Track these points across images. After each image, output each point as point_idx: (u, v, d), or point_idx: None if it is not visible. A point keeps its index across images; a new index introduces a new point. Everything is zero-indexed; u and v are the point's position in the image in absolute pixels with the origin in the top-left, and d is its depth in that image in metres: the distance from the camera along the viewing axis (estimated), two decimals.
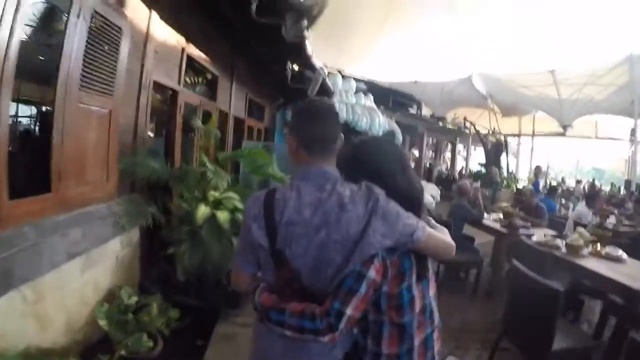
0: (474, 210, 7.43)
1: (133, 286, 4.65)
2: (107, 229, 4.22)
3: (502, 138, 24.15)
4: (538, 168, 18.81)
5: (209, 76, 7.44)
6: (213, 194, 5.14)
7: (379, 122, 13.05)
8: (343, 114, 12.18)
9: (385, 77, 22.89)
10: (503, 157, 23.35)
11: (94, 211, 4.03)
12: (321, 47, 9.29)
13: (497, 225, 7.31)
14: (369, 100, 14.08)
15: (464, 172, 27.34)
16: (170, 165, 5.38)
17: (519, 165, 28.54)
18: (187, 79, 6.64)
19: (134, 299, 4.30)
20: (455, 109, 24.94)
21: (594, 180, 28.31)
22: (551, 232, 7.01)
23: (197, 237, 4.80)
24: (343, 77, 13.67)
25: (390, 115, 17.58)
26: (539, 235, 6.34)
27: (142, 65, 4.81)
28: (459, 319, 5.61)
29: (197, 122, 6.08)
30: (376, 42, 19.99)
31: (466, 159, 31.48)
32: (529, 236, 6.24)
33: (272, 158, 5.92)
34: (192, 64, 6.45)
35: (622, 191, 20.60)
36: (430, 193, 15.97)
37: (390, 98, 23.00)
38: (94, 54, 3.72)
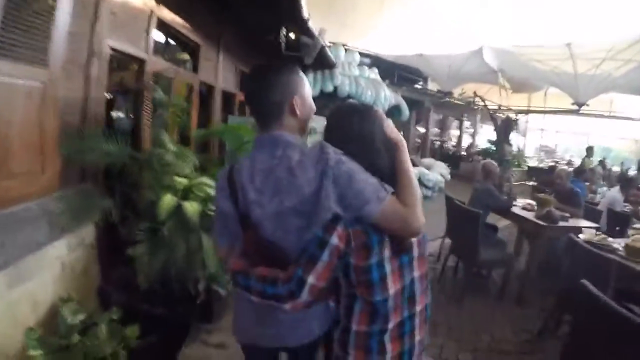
0: (503, 197, 6.47)
1: (88, 297, 3.87)
2: (40, 232, 3.38)
3: (513, 115, 23.03)
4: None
5: (190, 44, 6.56)
6: (180, 181, 4.24)
7: (385, 96, 12.35)
8: (346, 87, 11.35)
9: (389, 50, 21.87)
10: (513, 134, 22.35)
11: (18, 212, 3.16)
12: (322, 22, 8.62)
13: (529, 215, 6.04)
14: (373, 73, 13.30)
15: (472, 149, 26.47)
16: (137, 149, 4.53)
17: (526, 143, 27.72)
18: (161, 48, 5.85)
19: (80, 317, 3.45)
20: (463, 84, 23.84)
21: (604, 159, 27.56)
22: (588, 223, 6.07)
23: (159, 235, 3.94)
24: (346, 50, 12.81)
25: (395, 90, 16.71)
26: (589, 233, 5.42)
27: (92, 29, 3.92)
28: (485, 334, 4.68)
29: (158, 93, 5.27)
30: (379, 15, 19.10)
31: (473, 136, 30.74)
32: (568, 230, 5.38)
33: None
34: (165, 30, 5.62)
35: (634, 171, 20.06)
36: (440, 172, 15.32)
37: (395, 73, 22.16)
38: (17, 12, 2.91)
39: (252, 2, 6.27)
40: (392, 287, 1.53)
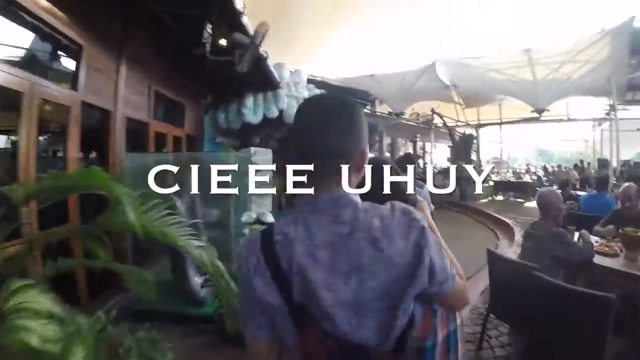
0: (584, 246, 4.19)
1: None
2: None
3: (471, 130, 21.95)
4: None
5: (64, 44, 4.43)
6: None
7: None
8: (293, 111, 9.29)
9: (337, 73, 20.95)
10: (473, 150, 21.23)
11: None
12: (265, 46, 7.68)
13: (622, 265, 4.05)
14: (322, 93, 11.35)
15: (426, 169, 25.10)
16: None
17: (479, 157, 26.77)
18: None
19: None
20: (414, 103, 22.87)
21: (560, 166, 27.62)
22: None
23: None
24: (290, 72, 11.00)
25: None
26: None
27: None
28: None
29: None
30: (326, 35, 18.77)
31: (423, 156, 29.34)
32: None
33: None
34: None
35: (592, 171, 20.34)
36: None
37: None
38: None
39: None
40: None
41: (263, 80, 8.66)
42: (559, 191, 5.08)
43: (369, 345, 1.11)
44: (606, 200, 6.87)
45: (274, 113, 9.37)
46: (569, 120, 24.60)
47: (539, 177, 23.15)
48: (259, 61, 6.53)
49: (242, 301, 1.25)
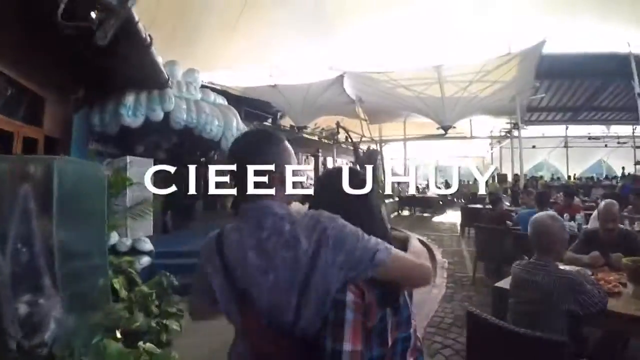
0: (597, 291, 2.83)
1: None
2: None
3: (376, 146, 21.29)
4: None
5: None
6: None
7: (237, 127, 9.23)
8: (182, 114, 7.86)
9: (238, 82, 19.52)
10: (378, 166, 20.47)
11: None
12: (161, 51, 7.24)
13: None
14: (220, 98, 9.92)
15: None
16: None
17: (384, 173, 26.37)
18: None
19: None
20: (318, 117, 22.28)
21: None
22: None
23: None
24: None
25: (246, 126, 13.53)
26: None
27: None
28: None
29: None
30: (229, 43, 17.10)
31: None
32: None
33: None
34: None
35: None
36: None
37: (242, 109, 18.93)
38: None
39: None
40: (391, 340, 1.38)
41: (148, 74, 7.06)
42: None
43: (289, 331, 1.33)
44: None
45: (158, 115, 7.70)
46: (472, 137, 24.83)
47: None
48: (129, 27, 4.85)
49: (194, 287, 1.66)
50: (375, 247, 1.33)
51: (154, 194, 8.18)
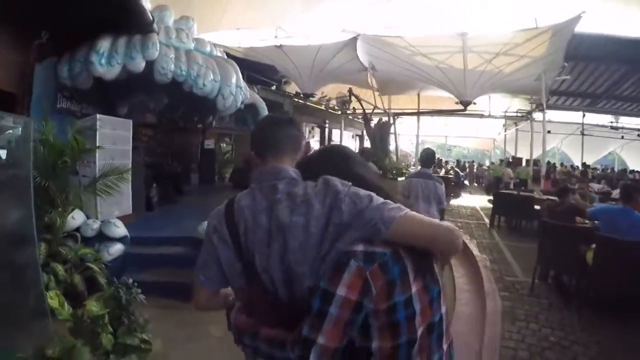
0: None
1: None
2: None
3: (388, 118, 19.74)
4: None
5: None
6: None
7: (236, 83, 7.70)
8: (169, 65, 6.51)
9: (240, 40, 18.13)
10: (391, 139, 19.15)
11: None
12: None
13: None
14: (219, 51, 8.46)
15: None
16: None
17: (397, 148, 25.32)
18: None
19: None
20: (327, 84, 20.57)
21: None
22: None
23: None
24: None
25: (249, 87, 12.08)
26: None
27: None
28: None
29: None
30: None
31: (331, 143, 26.87)
32: None
33: None
34: None
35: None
36: None
37: (244, 72, 17.41)
38: None
39: None
40: (420, 327, 1.25)
41: (127, 13, 5.62)
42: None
43: (295, 300, 1.31)
44: (638, 217, 4.89)
45: (138, 65, 6.15)
46: (490, 117, 23.47)
47: (456, 172, 21.58)
48: None
49: (200, 257, 1.52)
50: (387, 206, 1.26)
51: (134, 162, 6.83)
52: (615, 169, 27.31)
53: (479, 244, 8.01)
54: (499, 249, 7.74)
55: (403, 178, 16.30)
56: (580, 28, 14.35)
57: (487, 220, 10.86)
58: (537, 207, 9.50)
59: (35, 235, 3.06)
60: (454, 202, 15.26)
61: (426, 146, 35.07)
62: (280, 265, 1.30)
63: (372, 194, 1.31)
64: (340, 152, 1.64)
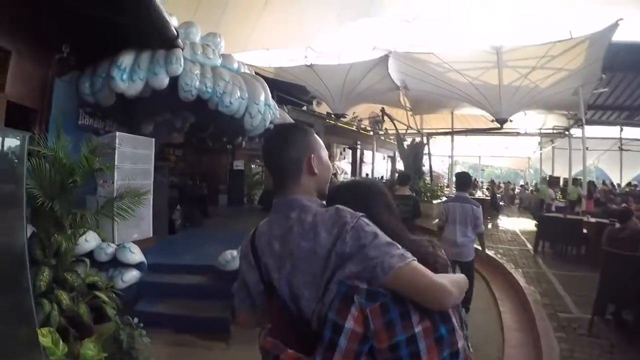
0: None
1: None
2: None
3: (422, 139, 19.23)
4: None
5: None
6: None
7: (265, 102, 7.39)
8: (194, 81, 6.19)
9: (270, 61, 18.23)
10: (425, 160, 18.60)
11: None
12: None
13: None
14: (246, 67, 8.17)
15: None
16: None
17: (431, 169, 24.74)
18: None
19: None
20: (357, 104, 20.43)
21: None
22: None
23: None
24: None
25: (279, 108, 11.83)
26: None
27: None
28: None
29: None
30: (258, 19, 15.88)
31: (360, 166, 26.31)
32: None
33: None
34: None
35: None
36: None
37: (274, 93, 17.25)
38: None
39: None
40: None
41: (150, 27, 5.39)
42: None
43: (308, 321, 1.34)
44: None
45: (161, 81, 5.86)
46: (526, 134, 22.72)
47: (492, 193, 20.69)
48: None
49: (235, 287, 1.65)
50: (390, 251, 1.27)
51: (157, 182, 6.53)
52: None
53: (525, 273, 7.33)
54: (547, 279, 7.02)
55: (437, 201, 15.84)
56: (617, 37, 13.75)
57: (530, 246, 10.12)
58: (584, 230, 8.84)
59: (27, 261, 2.70)
60: (491, 225, 14.49)
61: (458, 166, 34.37)
62: (289, 289, 1.37)
63: (379, 232, 1.31)
64: (364, 189, 1.65)
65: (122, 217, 4.72)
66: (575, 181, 18.70)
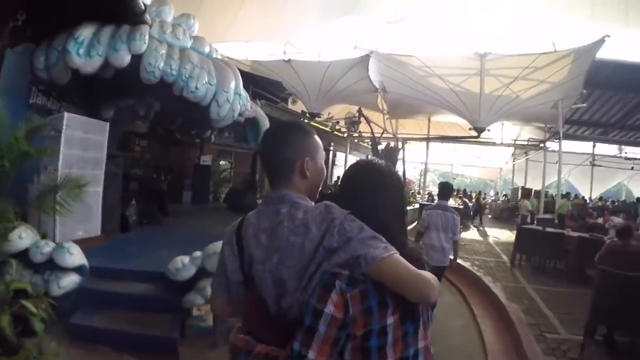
0: None
1: None
2: None
3: (397, 143, 18.87)
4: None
5: None
6: None
7: (234, 91, 6.70)
8: (158, 62, 5.58)
9: (248, 54, 17.87)
10: (399, 165, 18.33)
11: None
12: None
13: None
14: (219, 53, 7.61)
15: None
16: None
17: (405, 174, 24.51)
18: None
19: None
20: (334, 104, 20.07)
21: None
22: None
23: None
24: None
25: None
26: None
27: None
28: None
29: None
30: (236, 12, 15.57)
31: (335, 167, 26.14)
32: None
33: None
34: None
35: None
36: None
37: (249, 88, 16.71)
38: None
39: None
40: (392, 358, 1.29)
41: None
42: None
43: (287, 314, 1.38)
44: None
45: (122, 58, 5.23)
46: (502, 144, 22.67)
47: (465, 202, 20.51)
48: None
49: (215, 273, 1.66)
50: (374, 244, 1.31)
51: (109, 173, 5.88)
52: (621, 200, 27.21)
53: (504, 287, 6.98)
54: (528, 295, 6.68)
55: (411, 207, 15.55)
56: (601, 54, 13.90)
57: (505, 258, 9.87)
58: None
59: None
60: (464, 235, 14.25)
61: (429, 174, 34.33)
62: (272, 282, 1.40)
63: (365, 226, 1.33)
64: (379, 177, 1.54)
65: (61, 211, 4.07)
66: (537, 193, 19.57)
